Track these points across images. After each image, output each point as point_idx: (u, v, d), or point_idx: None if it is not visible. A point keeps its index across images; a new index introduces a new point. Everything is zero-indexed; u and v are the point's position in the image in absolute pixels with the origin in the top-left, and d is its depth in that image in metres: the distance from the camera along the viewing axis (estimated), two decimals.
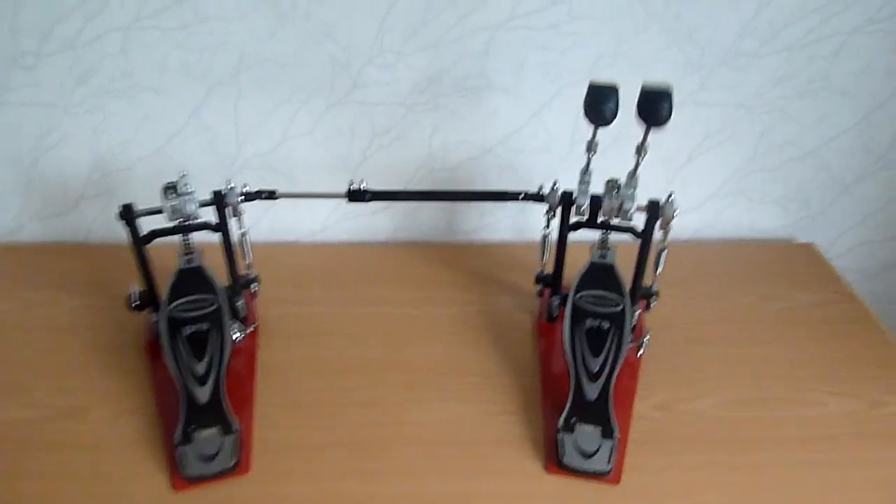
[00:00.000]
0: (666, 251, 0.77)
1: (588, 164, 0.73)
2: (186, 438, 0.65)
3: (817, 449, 0.69)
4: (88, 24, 0.81)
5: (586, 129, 0.91)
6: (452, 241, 1.00)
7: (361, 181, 0.76)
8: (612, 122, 0.65)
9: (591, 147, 0.71)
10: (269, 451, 0.67)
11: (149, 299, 0.78)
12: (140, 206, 0.72)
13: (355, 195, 0.76)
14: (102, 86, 0.85)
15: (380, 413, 0.72)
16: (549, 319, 0.83)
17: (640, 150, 0.69)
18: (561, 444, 0.66)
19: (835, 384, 0.76)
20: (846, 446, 0.70)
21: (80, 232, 0.97)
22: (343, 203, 0.96)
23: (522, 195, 0.76)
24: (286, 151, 0.91)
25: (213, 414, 0.67)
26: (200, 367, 0.70)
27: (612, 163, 0.73)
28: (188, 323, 0.72)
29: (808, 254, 0.98)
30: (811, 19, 0.84)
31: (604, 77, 0.86)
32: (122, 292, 0.85)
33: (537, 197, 0.76)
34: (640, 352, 0.77)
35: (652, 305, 0.80)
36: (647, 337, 0.76)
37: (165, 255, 0.77)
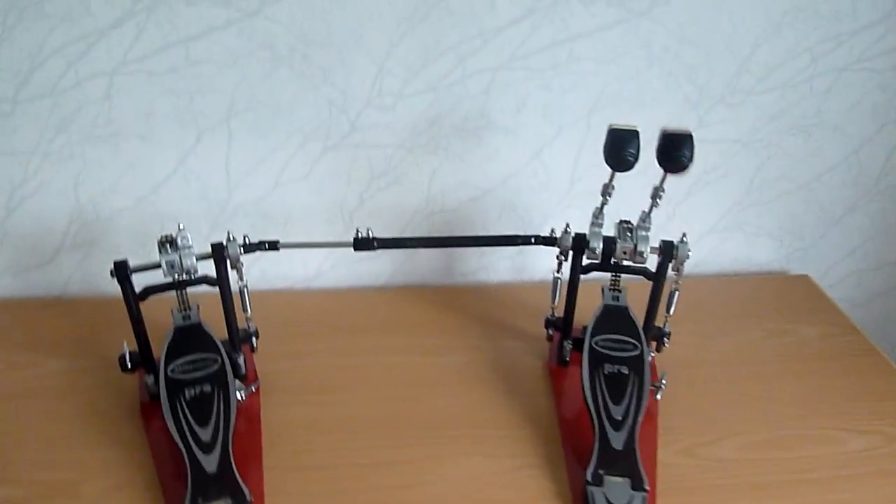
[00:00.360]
0: (678, 292, 0.76)
1: (602, 207, 0.72)
2: None
3: (841, 489, 0.69)
4: (71, 68, 0.76)
5: (586, 168, 0.91)
6: (451, 284, 0.98)
7: (368, 229, 0.73)
8: (633, 167, 0.64)
9: (606, 191, 0.69)
10: None
11: (142, 359, 0.73)
12: (122, 257, 0.67)
13: (362, 244, 0.73)
14: (84, 133, 0.81)
15: (398, 474, 0.68)
16: (561, 364, 0.81)
17: (656, 194, 0.69)
18: (591, 499, 0.64)
19: (850, 420, 0.76)
20: (869, 484, 0.69)
21: (56, 286, 0.91)
22: (337, 248, 0.93)
23: (534, 239, 0.75)
24: (279, 197, 0.88)
25: (222, 484, 0.62)
26: (206, 434, 0.65)
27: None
28: (189, 385, 0.68)
29: (805, 286, 0.98)
30: (804, 58, 0.85)
31: (604, 116, 0.87)
32: (110, 351, 0.80)
33: (549, 240, 0.75)
34: (659, 396, 0.75)
35: (664, 347, 0.79)
36: (665, 380, 0.75)
37: (154, 309, 0.72)
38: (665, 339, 0.79)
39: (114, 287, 0.89)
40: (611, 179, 0.68)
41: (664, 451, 0.72)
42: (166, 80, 0.78)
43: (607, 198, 0.70)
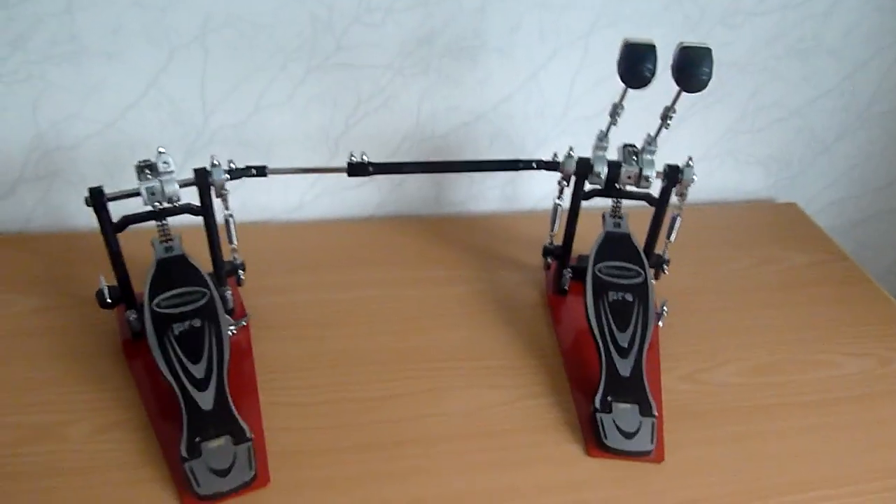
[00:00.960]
0: (681, 218, 0.74)
1: (608, 129, 0.69)
2: (194, 452, 0.57)
3: (839, 410, 0.69)
4: None
5: (581, 93, 0.87)
6: (441, 214, 0.94)
7: (363, 153, 0.68)
8: (649, 84, 0.60)
9: (615, 111, 0.66)
10: (285, 458, 0.61)
11: (123, 295, 0.68)
12: (92, 186, 0.62)
13: (357, 168, 0.69)
14: (43, 51, 0.73)
15: (400, 407, 0.66)
16: (559, 293, 0.79)
17: (667, 115, 0.66)
18: (601, 426, 0.63)
19: (844, 344, 0.77)
20: (866, 406, 0.70)
21: (17, 221, 0.85)
22: (322, 177, 0.89)
23: (535, 164, 0.71)
24: (260, 122, 0.82)
25: (220, 422, 0.59)
26: (199, 370, 0.61)
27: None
28: (177, 320, 0.64)
29: (794, 214, 0.98)
30: None
31: (602, 38, 0.83)
32: (83, 288, 0.75)
33: (552, 165, 0.71)
34: (661, 323, 0.74)
35: (663, 274, 0.78)
36: (666, 308, 0.74)
37: (129, 243, 0.66)
38: (664, 267, 0.78)
39: (81, 220, 0.85)
40: (622, 98, 0.65)
41: (666, 377, 0.71)
42: None
43: (616, 119, 0.67)
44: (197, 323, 0.64)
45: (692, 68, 0.59)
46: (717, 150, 0.96)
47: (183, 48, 0.75)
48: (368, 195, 0.91)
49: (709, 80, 0.59)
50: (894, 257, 1.17)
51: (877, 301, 0.83)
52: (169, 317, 0.64)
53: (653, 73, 0.60)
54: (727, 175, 0.99)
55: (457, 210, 0.95)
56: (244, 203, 0.88)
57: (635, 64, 0.59)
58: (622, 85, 0.63)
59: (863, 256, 1.14)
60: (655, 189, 0.72)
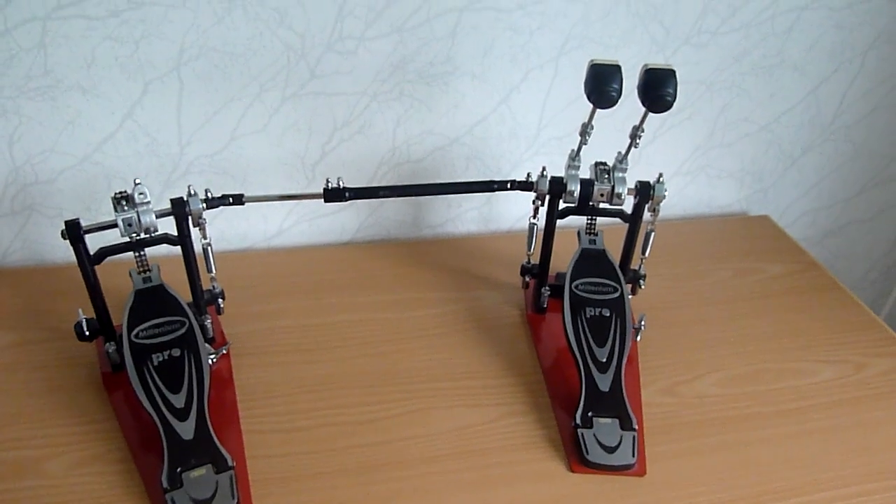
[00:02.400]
0: (654, 233, 0.76)
1: (579, 148, 0.70)
2: (175, 482, 0.57)
3: (817, 416, 0.70)
4: None
5: (553, 114, 0.89)
6: (419, 237, 0.95)
7: (339, 179, 0.69)
8: (616, 103, 0.62)
9: (585, 131, 0.68)
10: (268, 485, 0.60)
11: (101, 327, 0.68)
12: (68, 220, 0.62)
13: (333, 194, 0.69)
14: (17, 85, 0.73)
15: (382, 430, 0.66)
16: (538, 311, 0.80)
17: (636, 134, 0.67)
18: (583, 441, 0.63)
19: (820, 352, 0.78)
20: (843, 411, 0.71)
21: None
22: (300, 204, 0.89)
23: (510, 184, 0.73)
24: (236, 151, 0.83)
25: (202, 451, 0.59)
26: (179, 400, 0.61)
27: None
28: (156, 350, 0.64)
29: (766, 226, 1.00)
30: None
31: (572, 59, 0.85)
32: (61, 322, 0.75)
33: (526, 185, 0.73)
34: (639, 337, 0.75)
35: (639, 289, 0.79)
36: (644, 322, 0.75)
37: (106, 275, 0.66)
38: (641, 282, 0.79)
39: (59, 254, 0.85)
40: (590, 118, 0.66)
41: (646, 391, 0.72)
42: (107, 26, 0.72)
43: (586, 138, 0.68)
44: (176, 352, 0.64)
45: (657, 89, 0.61)
46: (690, 165, 0.98)
47: (157, 80, 0.76)
48: (347, 221, 0.92)
49: (673, 100, 0.61)
50: (867, 266, 1.19)
51: (849, 308, 0.84)
52: (148, 347, 0.64)
53: (619, 93, 0.61)
54: (700, 190, 1.01)
55: (435, 233, 0.96)
56: (223, 232, 0.88)
57: (602, 84, 0.61)
58: (591, 105, 0.64)
59: (835, 265, 1.16)
60: (628, 206, 0.74)
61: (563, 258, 0.77)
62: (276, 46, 0.76)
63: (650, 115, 0.64)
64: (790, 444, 0.67)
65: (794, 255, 0.94)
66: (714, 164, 0.98)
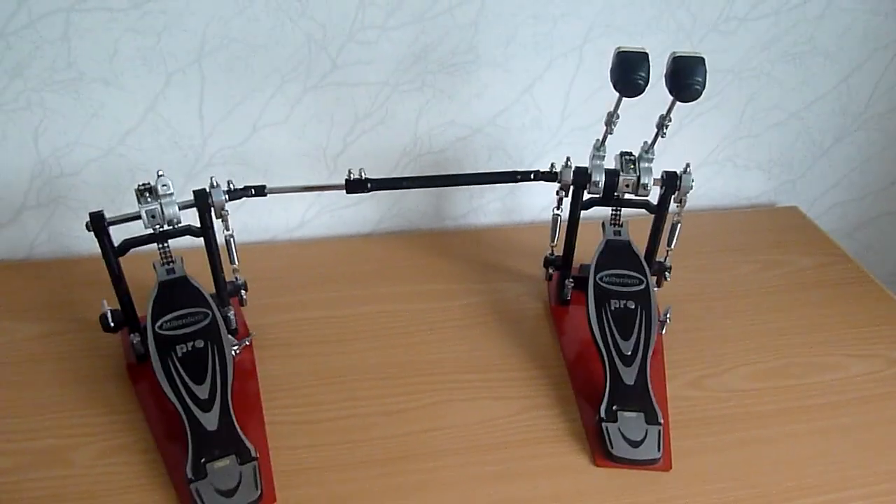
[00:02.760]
0: (681, 224, 0.74)
1: (604, 138, 0.69)
2: (200, 473, 0.57)
3: (846, 412, 0.69)
4: (22, 6, 0.69)
5: (577, 103, 0.88)
6: (441, 228, 0.95)
7: (361, 170, 0.69)
8: (643, 91, 0.61)
9: (611, 120, 0.66)
10: (291, 476, 0.60)
11: (126, 318, 0.68)
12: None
13: (355, 185, 0.69)
14: (41, 78, 0.74)
15: (407, 422, 0.66)
16: (562, 303, 0.79)
17: (662, 123, 0.66)
18: (607, 435, 0.63)
19: (851, 346, 0.76)
20: (874, 407, 0.69)
21: (21, 248, 0.85)
22: (322, 195, 0.89)
23: (534, 174, 0.72)
24: (258, 143, 0.83)
25: (225, 442, 0.59)
26: (202, 391, 0.62)
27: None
28: (180, 341, 0.64)
29: (795, 217, 0.98)
30: None
31: (596, 47, 0.83)
32: (86, 313, 0.76)
33: (550, 175, 0.72)
34: (664, 330, 0.74)
35: (665, 281, 0.78)
36: (669, 315, 0.74)
37: (131, 266, 0.67)
38: (666, 274, 0.77)
39: (85, 246, 0.85)
40: (616, 107, 0.65)
41: (672, 384, 0.71)
42: (129, 18, 0.72)
43: (612, 127, 0.67)
44: (200, 344, 0.64)
45: (685, 78, 0.59)
46: (717, 155, 0.96)
47: (179, 72, 0.76)
48: (368, 212, 0.91)
49: (702, 89, 0.60)
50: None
51: (881, 302, 0.82)
52: (172, 338, 0.64)
53: (646, 82, 0.60)
54: (727, 181, 0.99)
55: (457, 224, 0.95)
56: (246, 224, 0.88)
57: (628, 72, 0.60)
58: (616, 94, 0.63)
59: (866, 259, 1.13)
60: (654, 196, 0.72)
61: (587, 250, 0.76)
62: (298, 37, 0.76)
63: (677, 104, 0.63)
64: (819, 441, 0.66)
65: (824, 248, 0.91)
66: (742, 154, 0.96)
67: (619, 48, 0.61)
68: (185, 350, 0.63)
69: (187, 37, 0.74)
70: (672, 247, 0.75)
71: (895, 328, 0.79)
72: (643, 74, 0.60)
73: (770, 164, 0.99)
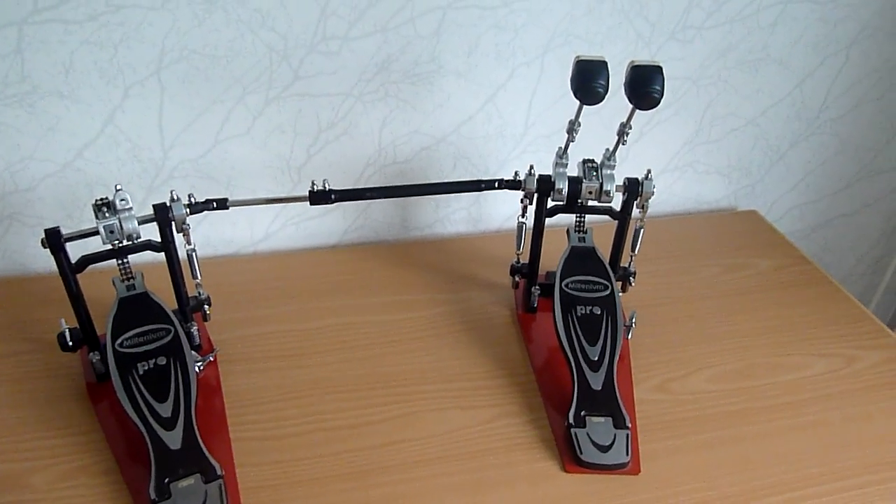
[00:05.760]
0: (643, 230, 0.75)
1: (567, 146, 0.70)
2: (163, 493, 0.56)
3: (809, 411, 0.70)
4: None
5: (540, 111, 0.89)
6: (407, 238, 0.94)
7: (325, 181, 0.68)
8: (603, 99, 0.61)
9: (573, 128, 0.67)
10: (259, 493, 0.59)
11: (85, 337, 0.67)
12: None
13: (319, 197, 0.68)
14: None
15: (373, 435, 0.65)
16: (529, 311, 0.79)
17: (623, 131, 0.67)
18: (576, 441, 0.63)
19: (812, 345, 0.78)
20: (836, 404, 0.71)
21: None
22: (286, 207, 0.88)
23: (498, 183, 0.72)
24: (220, 155, 0.82)
25: (190, 460, 0.58)
26: (165, 409, 0.60)
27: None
28: (141, 359, 0.63)
29: (754, 221, 1.00)
30: None
31: (557, 56, 0.84)
32: (44, 333, 0.74)
33: (514, 184, 0.72)
34: (630, 335, 0.75)
35: (629, 286, 0.79)
36: (634, 319, 0.75)
37: (88, 283, 0.65)
38: (631, 279, 0.78)
39: (41, 263, 0.83)
40: (577, 115, 0.66)
41: (638, 388, 0.72)
42: (85, 30, 0.71)
43: (574, 135, 0.67)
44: (162, 361, 0.63)
45: (644, 86, 0.60)
46: (677, 161, 0.97)
47: (138, 84, 0.75)
48: (333, 223, 0.91)
49: (661, 97, 0.60)
50: (854, 260, 1.19)
51: (840, 302, 0.84)
52: (133, 356, 0.63)
53: (605, 89, 0.61)
54: (688, 186, 1.00)
55: (423, 234, 0.95)
56: (209, 238, 0.87)
57: (588, 80, 0.60)
58: (577, 102, 0.63)
59: (823, 259, 1.16)
60: (617, 203, 0.73)
61: (553, 257, 0.76)
62: (259, 48, 0.76)
63: (637, 111, 0.63)
64: (783, 439, 0.67)
65: (784, 250, 0.94)
66: (702, 159, 0.98)
67: (578, 57, 0.61)
68: (146, 367, 0.62)
69: (146, 48, 0.73)
70: (635, 252, 0.76)
71: (853, 327, 0.81)
72: (602, 82, 0.60)
73: (729, 170, 1.01)
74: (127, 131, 0.78)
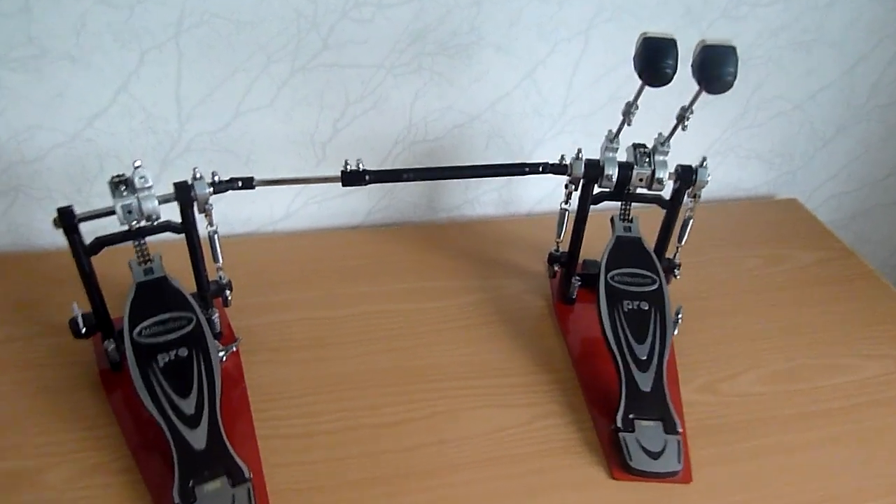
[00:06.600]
0: (693, 220, 0.71)
1: (619, 130, 0.65)
2: (188, 497, 0.52)
3: (864, 416, 0.67)
4: None
5: (580, 90, 0.83)
6: (434, 220, 0.90)
7: (358, 161, 0.63)
8: (671, 81, 0.56)
9: (630, 110, 0.62)
10: (288, 496, 0.56)
11: (99, 323, 0.62)
12: (57, 204, 0.56)
13: (352, 177, 0.63)
14: None
15: (408, 435, 0.61)
16: (567, 302, 0.75)
17: (684, 115, 0.62)
18: (625, 446, 0.59)
19: (861, 346, 0.74)
20: (890, 410, 0.67)
21: None
22: (309, 185, 0.83)
23: (542, 167, 0.67)
24: (240, 128, 0.76)
25: (215, 461, 0.54)
26: (188, 405, 0.56)
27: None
28: (162, 350, 0.58)
29: (795, 210, 0.96)
30: None
31: (602, 32, 0.79)
32: (54, 315, 0.69)
33: (560, 168, 0.67)
34: (676, 331, 0.71)
35: (674, 279, 0.75)
36: (681, 314, 0.71)
37: (102, 262, 0.60)
38: (676, 271, 0.74)
39: (49, 239, 0.78)
40: (637, 97, 0.61)
41: (685, 388, 0.68)
42: None
43: (630, 118, 0.63)
44: (184, 352, 0.58)
45: (717, 68, 0.55)
46: (720, 146, 0.93)
47: (155, 50, 0.69)
48: (358, 203, 0.86)
49: (734, 80, 0.56)
50: (888, 251, 1.15)
51: (886, 298, 0.81)
52: (152, 347, 0.58)
53: (674, 70, 0.56)
54: (729, 171, 0.96)
55: (451, 216, 0.90)
56: (225, 215, 0.82)
57: (656, 60, 0.55)
58: (633, 82, 0.59)
59: (860, 250, 1.12)
60: (667, 191, 0.69)
61: (590, 244, 0.72)
62: (286, 13, 0.70)
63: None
64: (838, 448, 0.63)
65: (826, 242, 0.89)
66: (744, 144, 0.93)
67: (644, 34, 0.56)
68: (167, 360, 0.58)
69: (164, 10, 0.67)
70: (682, 243, 0.72)
71: None
72: (671, 62, 0.56)
73: (771, 155, 0.96)
74: (141, 100, 0.72)
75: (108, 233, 0.59)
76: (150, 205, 0.57)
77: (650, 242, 0.72)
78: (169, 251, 0.65)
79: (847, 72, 0.90)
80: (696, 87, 0.59)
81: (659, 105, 0.67)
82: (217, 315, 0.67)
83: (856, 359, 0.73)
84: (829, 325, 0.76)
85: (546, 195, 0.91)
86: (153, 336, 0.59)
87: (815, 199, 1.03)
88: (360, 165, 0.64)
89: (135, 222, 0.58)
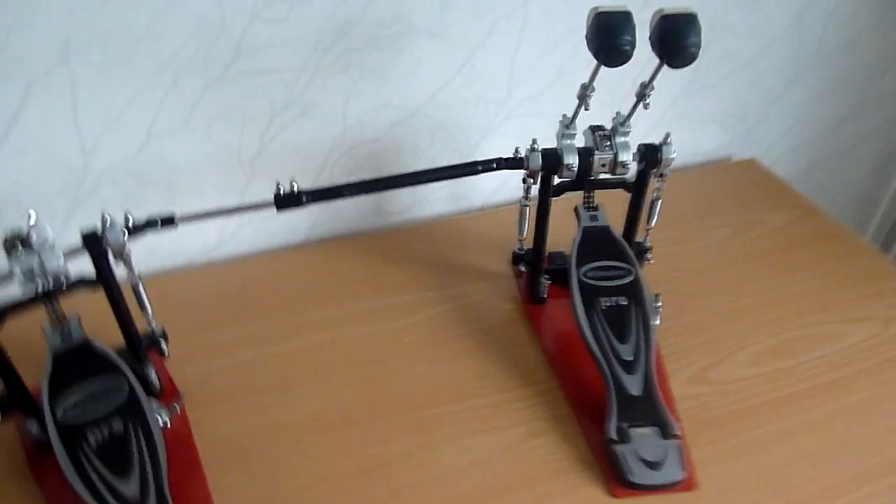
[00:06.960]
0: (661, 200, 0.66)
1: (576, 114, 0.59)
2: None
3: (856, 387, 0.63)
4: None
5: (523, 71, 0.77)
6: (385, 226, 0.83)
7: (292, 181, 0.56)
8: (630, 59, 0.51)
9: (586, 93, 0.56)
10: None
11: (16, 400, 0.54)
12: None
13: (287, 201, 0.56)
14: None
15: (391, 476, 0.55)
16: (537, 302, 0.70)
17: (644, 92, 0.57)
18: (623, 460, 0.54)
19: (843, 310, 0.71)
20: (883, 378, 0.64)
21: None
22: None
23: (496, 163, 0.61)
24: (155, 153, 0.68)
25: None
26: (129, 486, 0.49)
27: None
28: (91, 427, 0.51)
29: (755, 170, 0.92)
30: None
31: (541, 4, 0.73)
32: None
33: (515, 162, 0.61)
34: (657, 321, 0.66)
35: (647, 263, 0.70)
36: (660, 302, 0.66)
37: (13, 329, 0.52)
38: (647, 255, 0.70)
39: None
40: (592, 78, 0.55)
41: (674, 382, 0.64)
42: None
43: (587, 101, 0.57)
44: (118, 426, 0.51)
45: (679, 40, 0.50)
46: (672, 113, 0.88)
47: (41, 78, 0.60)
48: (297, 219, 0.78)
49: (698, 51, 0.50)
50: (847, 197, 1.14)
51: (861, 255, 0.78)
52: (80, 427, 0.50)
53: (633, 47, 0.50)
54: (683, 137, 0.91)
55: (402, 219, 0.84)
56: (151, 250, 0.73)
57: (611, 38, 0.49)
58: (581, 56, 0.52)
59: (823, 201, 1.10)
60: (631, 174, 0.64)
61: (554, 232, 0.67)
62: (188, 21, 0.61)
63: (684, 66, 0.52)
64: (838, 426, 0.60)
65: (791, 200, 0.86)
66: (697, 108, 0.89)
67: (596, 9, 0.50)
68: (99, 437, 0.50)
69: (44, 34, 0.58)
70: (651, 225, 0.68)
71: (882, 283, 0.74)
72: (629, 38, 0.50)
73: (724, 117, 0.92)
74: (35, 136, 0.63)
75: (10, 300, 0.51)
76: (54, 263, 0.49)
77: (618, 229, 0.67)
78: (89, 304, 0.56)
79: (795, 21, 0.86)
80: (653, 59, 0.53)
81: (610, 80, 0.61)
82: (154, 371, 0.59)
83: (840, 324, 0.70)
84: (808, 292, 0.73)
85: (499, 185, 0.85)
86: (79, 415, 0.51)
87: (771, 154, 1.00)
88: (295, 186, 0.56)
89: (40, 284, 0.50)
